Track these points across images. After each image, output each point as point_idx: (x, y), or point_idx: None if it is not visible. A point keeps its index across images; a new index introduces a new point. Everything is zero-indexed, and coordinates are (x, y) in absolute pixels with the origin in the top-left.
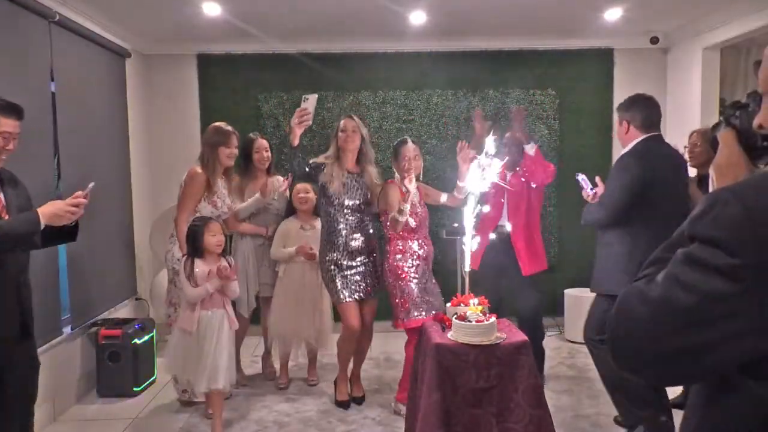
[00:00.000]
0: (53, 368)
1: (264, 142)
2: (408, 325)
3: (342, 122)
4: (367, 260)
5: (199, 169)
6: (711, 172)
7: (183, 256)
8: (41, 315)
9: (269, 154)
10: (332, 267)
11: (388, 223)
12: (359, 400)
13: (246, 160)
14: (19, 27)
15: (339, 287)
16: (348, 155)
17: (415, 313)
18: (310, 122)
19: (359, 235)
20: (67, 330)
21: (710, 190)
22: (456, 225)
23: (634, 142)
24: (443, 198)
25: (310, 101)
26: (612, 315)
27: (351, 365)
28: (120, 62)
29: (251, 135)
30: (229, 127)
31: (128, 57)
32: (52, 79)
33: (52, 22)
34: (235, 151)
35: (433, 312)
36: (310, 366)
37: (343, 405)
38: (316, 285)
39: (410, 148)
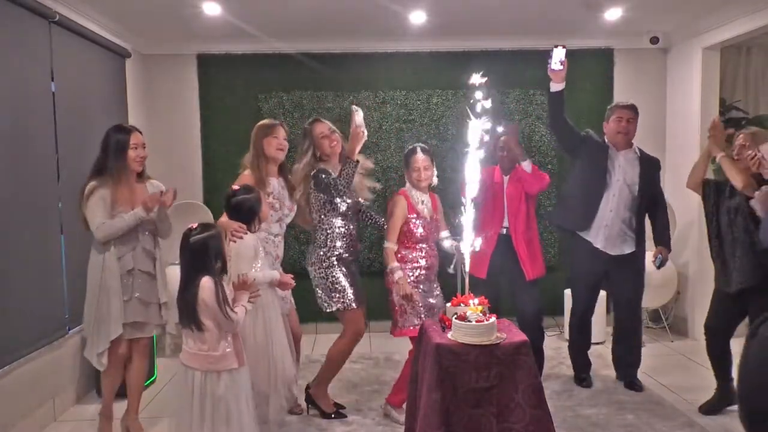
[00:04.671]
0: (53, 368)
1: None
2: (405, 333)
3: (318, 127)
4: (357, 264)
5: (246, 171)
6: None
7: (206, 275)
8: (41, 315)
9: (145, 152)
10: (341, 274)
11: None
12: (343, 407)
13: (118, 161)
14: (19, 27)
15: (350, 293)
16: (336, 158)
17: (416, 321)
18: (362, 133)
19: (355, 236)
20: (67, 330)
21: None
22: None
23: None
24: (443, 234)
25: (357, 114)
26: (752, 355)
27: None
28: (120, 62)
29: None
30: (275, 120)
31: (128, 57)
32: (52, 79)
33: (52, 22)
34: (285, 143)
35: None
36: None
37: (338, 413)
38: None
39: (419, 158)
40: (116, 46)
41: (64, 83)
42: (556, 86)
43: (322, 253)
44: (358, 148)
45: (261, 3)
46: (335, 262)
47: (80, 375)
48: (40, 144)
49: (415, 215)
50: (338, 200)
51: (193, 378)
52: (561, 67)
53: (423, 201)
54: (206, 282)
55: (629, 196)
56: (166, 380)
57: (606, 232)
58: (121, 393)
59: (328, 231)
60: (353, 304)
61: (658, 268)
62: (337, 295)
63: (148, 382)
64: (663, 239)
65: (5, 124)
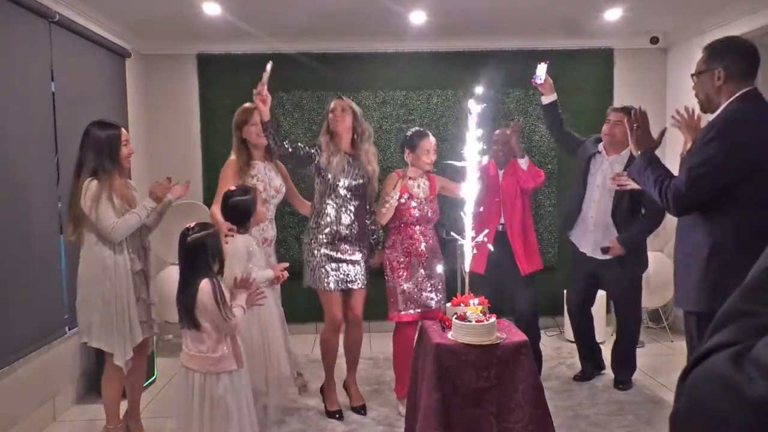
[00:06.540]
0: (53, 368)
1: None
2: (390, 318)
3: (332, 103)
4: (358, 248)
5: (232, 156)
6: None
7: (204, 277)
8: (41, 315)
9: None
10: (321, 253)
11: (375, 211)
12: (360, 410)
13: (113, 160)
14: (19, 27)
15: (326, 275)
16: (342, 136)
17: (401, 309)
18: (264, 92)
19: (353, 220)
20: (66, 330)
21: None
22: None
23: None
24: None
25: (266, 72)
26: (681, 409)
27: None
28: (120, 62)
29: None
30: (251, 104)
31: (128, 57)
32: (52, 79)
33: (52, 22)
34: None
35: (424, 309)
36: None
37: (334, 415)
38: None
39: (432, 141)
40: (116, 46)
41: (64, 83)
42: (546, 98)
43: (307, 228)
44: (260, 107)
45: (261, 3)
46: (312, 241)
47: (80, 375)
48: (40, 144)
49: (407, 195)
50: (324, 177)
51: (193, 379)
52: (542, 82)
53: (419, 185)
54: (205, 285)
55: (609, 202)
56: (166, 380)
57: (590, 237)
58: (123, 394)
59: (315, 207)
60: (323, 286)
61: (603, 253)
62: (310, 273)
63: (148, 382)
64: (625, 237)
65: (5, 124)
